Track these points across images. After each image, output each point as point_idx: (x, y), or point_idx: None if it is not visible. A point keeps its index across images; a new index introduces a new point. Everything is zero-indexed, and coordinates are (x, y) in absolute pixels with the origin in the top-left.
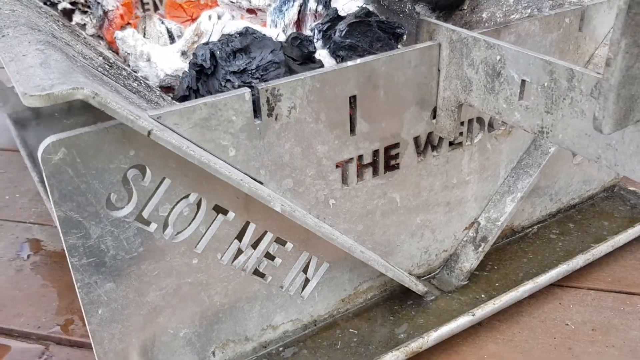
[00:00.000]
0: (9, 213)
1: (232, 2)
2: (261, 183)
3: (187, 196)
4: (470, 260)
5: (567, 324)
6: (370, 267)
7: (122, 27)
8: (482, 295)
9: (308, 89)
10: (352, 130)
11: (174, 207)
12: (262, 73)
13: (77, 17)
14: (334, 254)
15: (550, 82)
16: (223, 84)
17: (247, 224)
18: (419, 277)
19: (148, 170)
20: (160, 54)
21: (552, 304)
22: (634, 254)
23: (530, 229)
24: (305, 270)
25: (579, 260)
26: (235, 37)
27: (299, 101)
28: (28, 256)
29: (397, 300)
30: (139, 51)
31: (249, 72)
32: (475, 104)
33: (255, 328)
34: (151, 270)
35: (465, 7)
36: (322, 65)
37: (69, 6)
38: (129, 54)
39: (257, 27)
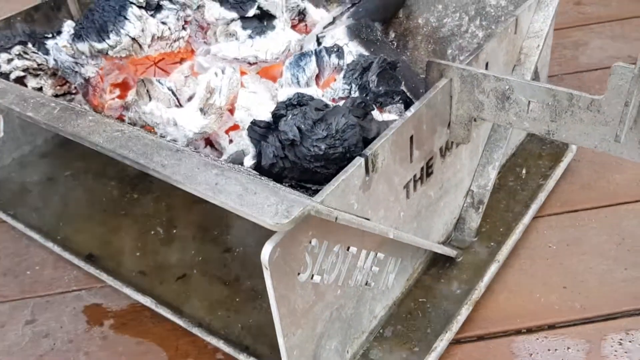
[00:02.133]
0: (44, 287)
1: (237, 59)
2: (368, 219)
3: (333, 248)
4: (474, 220)
5: (550, 246)
6: (422, 250)
7: (103, 90)
8: (492, 244)
9: (390, 142)
10: (411, 159)
11: (327, 259)
12: (341, 135)
13: (32, 82)
14: (404, 250)
15: (554, 102)
16: (311, 149)
17: (360, 251)
18: (442, 243)
19: (314, 240)
20: (183, 116)
21: (533, 235)
22: (565, 179)
23: (495, 182)
24: (389, 269)
25: (541, 197)
26: (306, 108)
27: (387, 153)
28: (102, 323)
29: (436, 266)
30: (166, 118)
31: (331, 136)
32: (487, 118)
33: (367, 322)
34: (317, 309)
35: (400, 16)
36: (372, 116)
37: (21, 73)
38: (157, 123)
39: (303, 90)
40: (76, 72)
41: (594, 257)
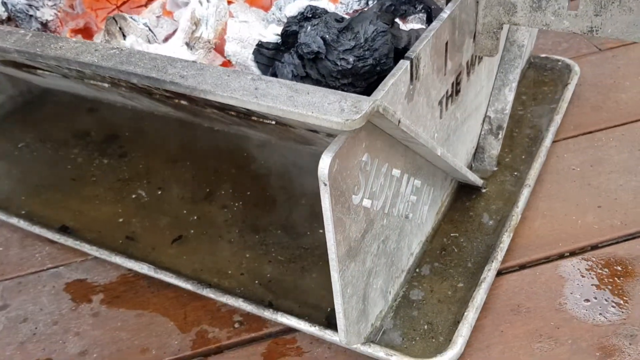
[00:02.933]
0: (13, 268)
1: None
2: None
3: (381, 168)
4: (494, 147)
5: (573, 169)
6: (448, 181)
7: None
8: (515, 173)
9: (430, 45)
10: (445, 71)
11: (377, 180)
12: (371, 44)
13: None
14: (436, 179)
15: None
16: (338, 63)
17: (403, 175)
18: None
19: (366, 155)
20: (168, 52)
21: (554, 159)
22: (572, 103)
23: None
24: (423, 199)
25: (557, 119)
26: (326, 17)
27: (427, 58)
28: (90, 299)
29: (461, 200)
30: None
31: (359, 46)
32: (520, 22)
33: (405, 260)
34: (367, 240)
35: None
36: (399, 25)
37: None
38: None
39: (316, 3)
40: (31, 16)
41: (622, 175)
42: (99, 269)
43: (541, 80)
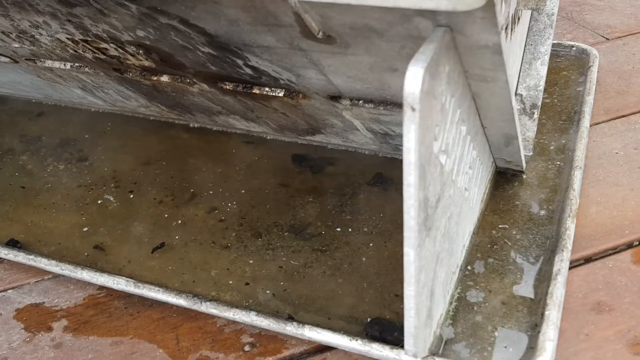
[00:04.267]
0: None
1: None
2: None
3: (455, 116)
4: (530, 129)
5: (616, 152)
6: (491, 160)
7: None
8: (558, 162)
9: None
10: (502, 9)
11: (452, 129)
12: None
13: None
14: (484, 153)
15: None
16: None
17: (467, 136)
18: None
19: (446, 86)
20: None
21: (592, 144)
22: (595, 89)
23: None
24: (476, 174)
25: (589, 100)
26: None
27: None
28: (49, 327)
29: (501, 188)
30: None
31: None
32: None
33: (460, 252)
34: (439, 211)
35: None
36: None
37: None
38: None
39: None
40: None
41: None
42: (59, 289)
43: (557, 66)
